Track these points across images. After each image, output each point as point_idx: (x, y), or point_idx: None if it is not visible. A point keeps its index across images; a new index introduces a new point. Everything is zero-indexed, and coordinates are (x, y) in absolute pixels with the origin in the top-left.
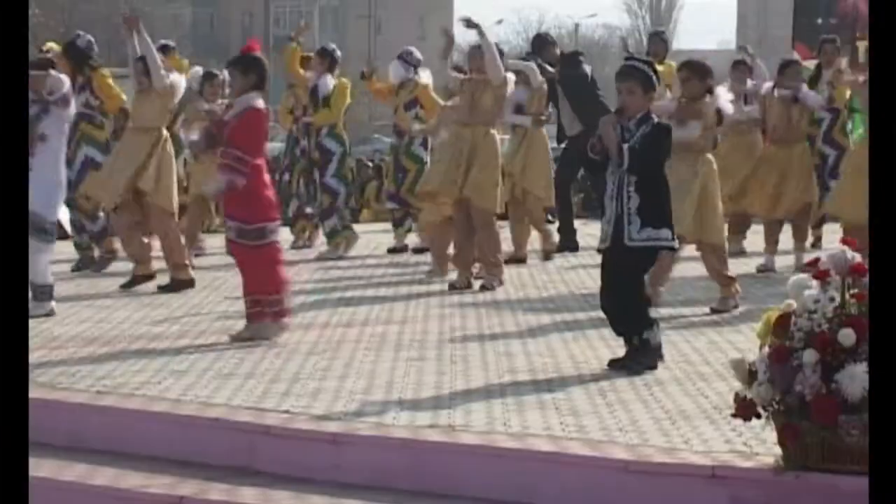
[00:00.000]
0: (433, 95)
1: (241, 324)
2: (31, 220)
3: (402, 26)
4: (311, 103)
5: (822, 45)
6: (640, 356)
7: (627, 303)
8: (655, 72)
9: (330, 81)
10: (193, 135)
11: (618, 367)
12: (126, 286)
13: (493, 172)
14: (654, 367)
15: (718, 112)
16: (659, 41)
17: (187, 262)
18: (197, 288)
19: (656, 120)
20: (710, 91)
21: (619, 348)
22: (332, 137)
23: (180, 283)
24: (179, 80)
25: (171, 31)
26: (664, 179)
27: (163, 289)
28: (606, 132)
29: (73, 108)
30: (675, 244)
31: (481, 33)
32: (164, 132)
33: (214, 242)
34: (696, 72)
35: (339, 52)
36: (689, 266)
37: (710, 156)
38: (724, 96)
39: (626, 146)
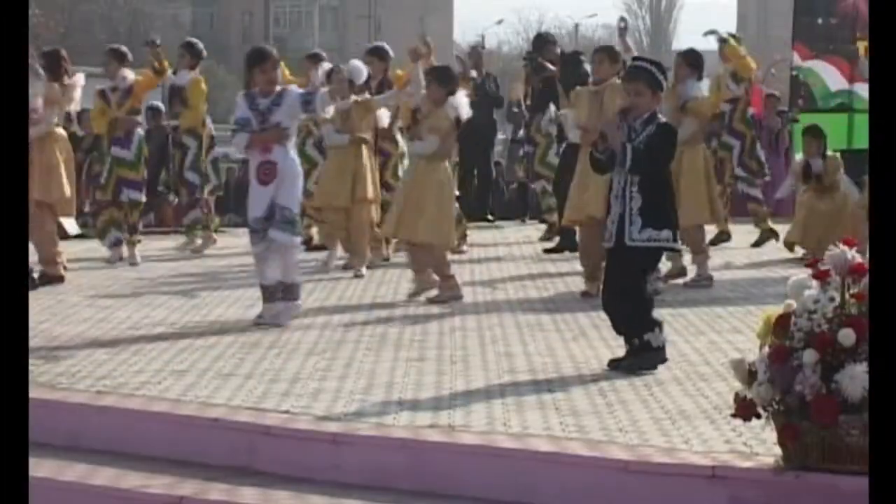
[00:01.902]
0: None
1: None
2: (280, 216)
3: (402, 26)
4: (172, 102)
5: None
6: (640, 358)
7: (628, 303)
8: (663, 72)
9: (186, 76)
10: (325, 130)
11: (616, 366)
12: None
13: None
14: (652, 368)
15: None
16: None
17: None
18: (197, 288)
19: (662, 120)
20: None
21: (619, 348)
22: (189, 133)
23: (52, 278)
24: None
25: (171, 31)
26: (668, 180)
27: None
28: (611, 131)
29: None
30: (677, 245)
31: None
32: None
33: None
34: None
35: (201, 46)
36: (687, 268)
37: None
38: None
39: (629, 146)
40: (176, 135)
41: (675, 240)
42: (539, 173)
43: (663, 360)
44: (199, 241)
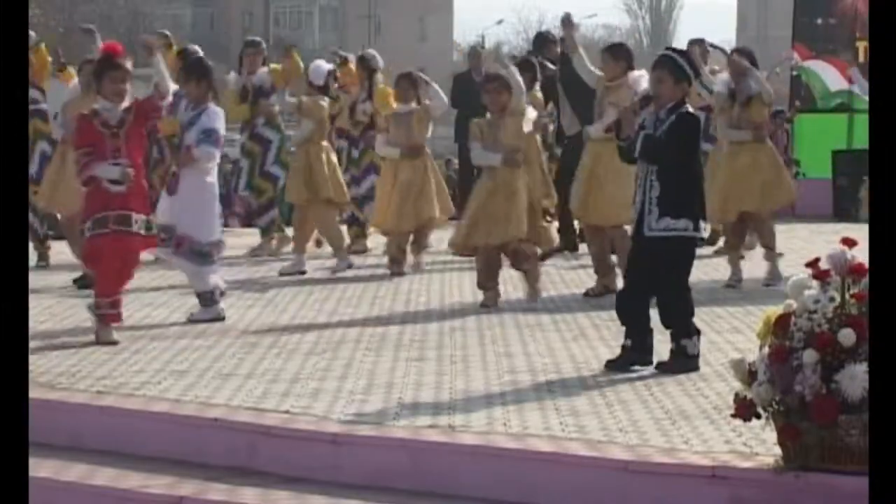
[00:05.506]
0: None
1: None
2: (188, 244)
3: (402, 26)
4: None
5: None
6: (675, 363)
7: (664, 296)
8: (690, 62)
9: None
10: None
11: (613, 367)
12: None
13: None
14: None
15: None
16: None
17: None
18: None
19: (686, 109)
20: None
21: (619, 348)
22: (270, 127)
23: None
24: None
25: (171, 32)
26: (692, 169)
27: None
28: (625, 118)
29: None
30: (699, 234)
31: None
32: None
33: None
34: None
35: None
36: None
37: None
38: None
39: (641, 133)
40: (253, 129)
41: (696, 229)
42: None
43: (695, 368)
44: (274, 244)
